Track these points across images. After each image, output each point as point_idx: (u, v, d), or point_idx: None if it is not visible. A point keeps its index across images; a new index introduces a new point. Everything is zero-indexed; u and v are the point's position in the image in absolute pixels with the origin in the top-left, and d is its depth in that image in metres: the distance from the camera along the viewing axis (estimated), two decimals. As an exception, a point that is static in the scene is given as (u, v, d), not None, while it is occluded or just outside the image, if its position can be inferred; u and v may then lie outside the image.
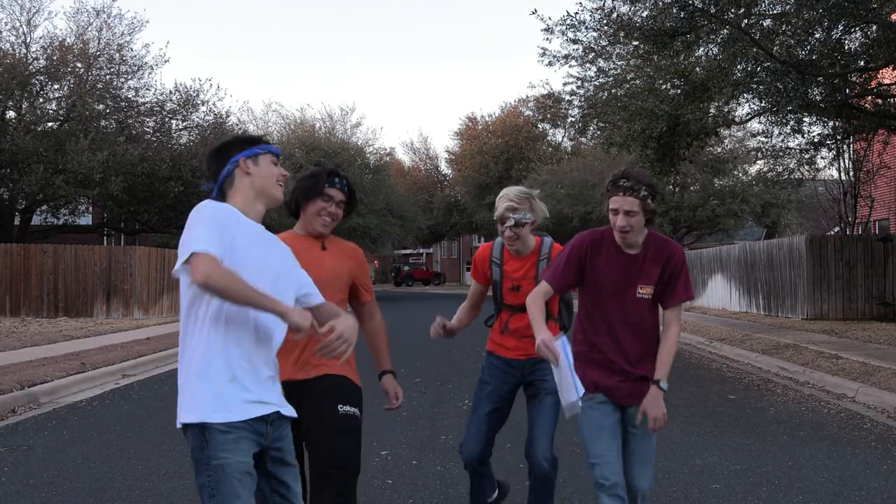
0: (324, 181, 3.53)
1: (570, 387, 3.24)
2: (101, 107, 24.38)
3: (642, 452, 3.47)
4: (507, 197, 3.90)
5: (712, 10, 12.75)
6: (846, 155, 22.15)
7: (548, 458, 3.88)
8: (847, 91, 15.55)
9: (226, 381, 2.60)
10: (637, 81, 17.24)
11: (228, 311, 2.61)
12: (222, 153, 2.85)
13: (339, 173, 3.60)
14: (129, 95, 25.35)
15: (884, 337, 13.66)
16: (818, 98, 14.72)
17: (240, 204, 2.78)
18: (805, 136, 17.94)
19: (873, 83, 16.41)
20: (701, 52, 15.34)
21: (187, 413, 2.60)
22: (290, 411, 2.79)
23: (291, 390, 3.20)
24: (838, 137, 18.68)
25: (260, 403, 2.65)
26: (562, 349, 3.27)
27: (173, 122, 26.52)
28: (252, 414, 2.62)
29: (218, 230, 2.59)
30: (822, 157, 21.42)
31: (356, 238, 44.63)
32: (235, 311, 2.62)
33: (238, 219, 2.71)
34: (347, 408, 3.39)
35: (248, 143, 2.84)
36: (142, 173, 22.69)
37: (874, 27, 13.35)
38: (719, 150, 34.15)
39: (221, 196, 2.82)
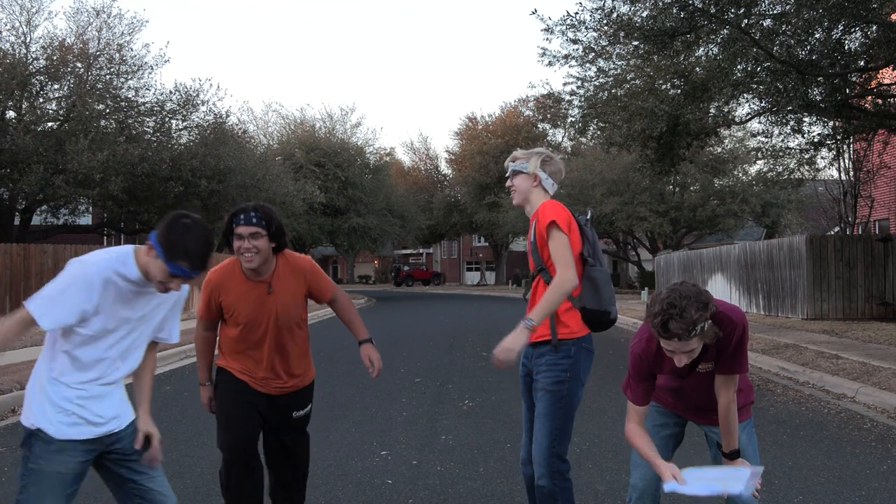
0: (230, 222, 3.80)
1: (730, 483, 3.11)
2: (101, 107, 24.35)
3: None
4: (515, 151, 3.96)
5: (712, 10, 12.74)
6: (846, 155, 22.16)
7: (545, 476, 3.54)
8: (847, 91, 15.54)
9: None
10: (637, 81, 17.23)
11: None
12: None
13: (247, 207, 3.79)
14: (129, 95, 25.32)
15: (884, 337, 13.66)
16: (818, 98, 14.71)
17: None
18: (805, 136, 17.94)
19: (873, 83, 16.40)
20: (701, 52, 15.33)
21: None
22: None
23: (270, 401, 4.07)
24: (838, 137, 18.67)
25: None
26: (694, 482, 3.10)
27: (173, 122, 26.51)
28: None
29: None
30: (822, 157, 21.45)
31: (356, 238, 44.71)
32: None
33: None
34: (300, 412, 4.16)
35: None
36: (142, 173, 22.68)
37: (874, 27, 13.34)
38: (719, 150, 34.19)
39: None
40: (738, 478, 3.11)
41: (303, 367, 4.12)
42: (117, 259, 2.94)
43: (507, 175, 3.89)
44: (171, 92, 26.05)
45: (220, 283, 3.97)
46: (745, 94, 15.42)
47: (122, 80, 25.00)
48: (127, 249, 2.98)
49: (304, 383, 4.13)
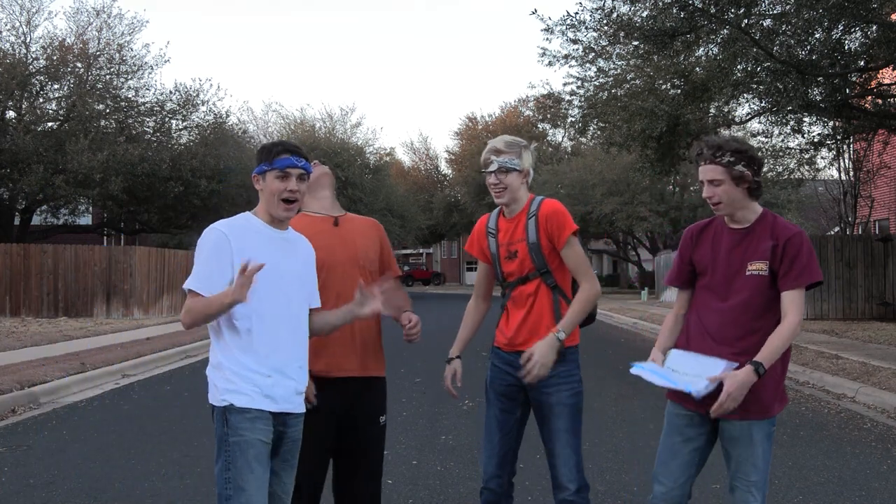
0: None
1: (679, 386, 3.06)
2: (101, 107, 24.37)
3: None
4: (492, 141, 3.50)
5: (712, 10, 12.74)
6: (846, 155, 22.16)
7: (575, 493, 3.36)
8: (847, 91, 15.55)
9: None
10: (637, 81, 17.24)
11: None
12: (256, 160, 3.08)
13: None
14: (129, 95, 25.34)
15: (884, 337, 13.66)
16: (818, 98, 14.71)
17: (262, 212, 3.04)
18: (805, 136, 17.95)
19: (873, 83, 16.41)
20: (701, 52, 15.34)
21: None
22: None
23: (354, 385, 3.40)
24: (838, 137, 18.67)
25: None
26: (663, 371, 3.11)
27: (173, 122, 26.53)
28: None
29: (207, 262, 2.88)
30: (822, 157, 21.44)
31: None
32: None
33: (244, 231, 2.96)
34: (383, 418, 3.58)
35: (261, 158, 3.02)
36: (142, 173, 22.69)
37: (874, 27, 13.34)
38: (719, 150, 34.18)
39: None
40: (705, 374, 2.98)
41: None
42: (238, 218, 3.03)
43: (489, 170, 3.45)
44: (171, 92, 26.10)
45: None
46: (745, 94, 15.43)
47: (122, 80, 25.02)
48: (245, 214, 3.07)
49: (381, 371, 3.59)
